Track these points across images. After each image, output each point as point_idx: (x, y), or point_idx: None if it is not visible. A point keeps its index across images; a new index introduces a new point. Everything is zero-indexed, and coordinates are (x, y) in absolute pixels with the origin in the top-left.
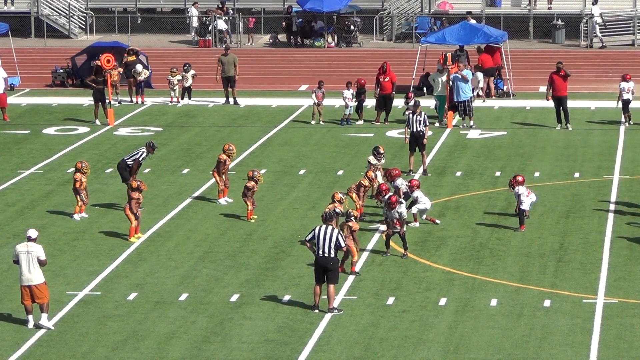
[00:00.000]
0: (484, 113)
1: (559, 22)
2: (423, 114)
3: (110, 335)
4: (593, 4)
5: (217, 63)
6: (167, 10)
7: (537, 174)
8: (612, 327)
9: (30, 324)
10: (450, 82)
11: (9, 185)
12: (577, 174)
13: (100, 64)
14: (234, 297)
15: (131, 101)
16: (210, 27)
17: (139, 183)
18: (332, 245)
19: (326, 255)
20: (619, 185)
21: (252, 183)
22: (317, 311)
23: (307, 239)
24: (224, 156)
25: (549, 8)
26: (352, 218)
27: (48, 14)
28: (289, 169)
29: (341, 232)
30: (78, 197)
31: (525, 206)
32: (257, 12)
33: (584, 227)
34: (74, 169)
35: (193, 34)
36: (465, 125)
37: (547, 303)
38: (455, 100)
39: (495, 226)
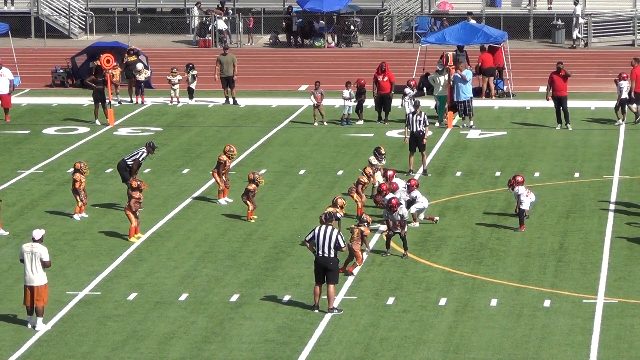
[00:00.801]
0: (484, 113)
1: (559, 22)
2: (423, 114)
3: (110, 335)
4: (575, 4)
5: (216, 63)
6: (167, 10)
7: (537, 174)
8: (612, 327)
9: (30, 325)
10: (451, 82)
11: (9, 185)
12: (577, 174)
13: (100, 64)
14: (234, 297)
15: (131, 101)
16: (210, 27)
17: (139, 182)
18: (332, 245)
19: (326, 255)
20: (619, 185)
21: (253, 186)
22: (317, 311)
23: (307, 239)
24: (224, 157)
25: (549, 8)
26: (365, 223)
27: (48, 14)
28: (289, 169)
29: (341, 233)
30: (78, 197)
31: (525, 206)
32: (257, 12)
33: (584, 227)
34: (73, 169)
35: (194, 34)
36: (465, 125)
37: (547, 303)
38: (455, 100)
39: (495, 226)
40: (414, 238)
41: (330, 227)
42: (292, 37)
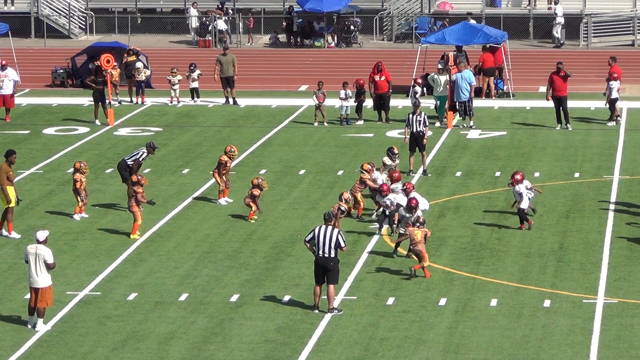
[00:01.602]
0: (484, 113)
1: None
2: (423, 114)
3: (110, 336)
4: (555, 3)
5: (216, 63)
6: (167, 11)
7: (537, 174)
8: (612, 327)
9: (30, 325)
10: (452, 83)
11: None
12: (577, 174)
13: (100, 64)
14: (234, 297)
15: (131, 101)
16: (210, 28)
17: (139, 177)
18: (332, 245)
19: (326, 255)
20: (618, 186)
21: (259, 191)
22: (317, 311)
23: (307, 239)
24: (225, 157)
25: (549, 8)
26: (424, 225)
27: (48, 14)
28: (289, 169)
29: (342, 233)
30: (78, 197)
31: (524, 205)
32: (257, 12)
33: (584, 227)
34: (73, 169)
35: (193, 34)
36: (465, 125)
37: (547, 303)
38: (455, 100)
39: (495, 226)
40: None
41: (330, 227)
42: (292, 37)
